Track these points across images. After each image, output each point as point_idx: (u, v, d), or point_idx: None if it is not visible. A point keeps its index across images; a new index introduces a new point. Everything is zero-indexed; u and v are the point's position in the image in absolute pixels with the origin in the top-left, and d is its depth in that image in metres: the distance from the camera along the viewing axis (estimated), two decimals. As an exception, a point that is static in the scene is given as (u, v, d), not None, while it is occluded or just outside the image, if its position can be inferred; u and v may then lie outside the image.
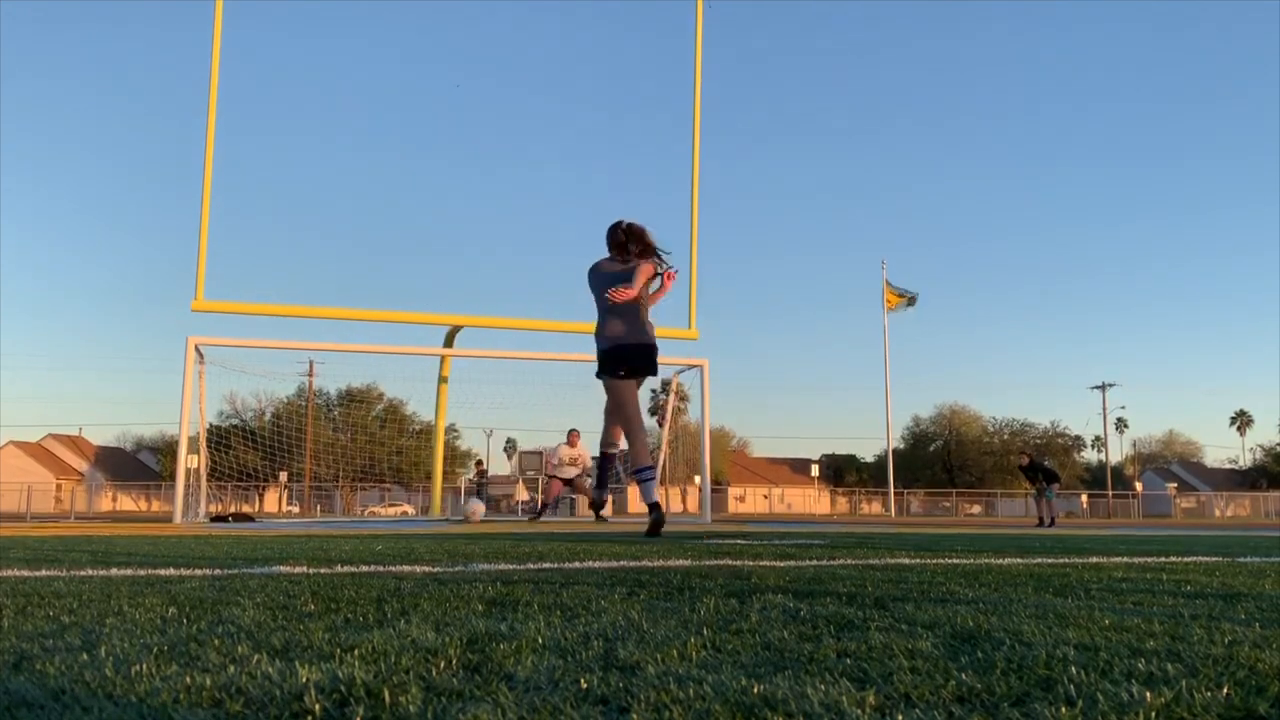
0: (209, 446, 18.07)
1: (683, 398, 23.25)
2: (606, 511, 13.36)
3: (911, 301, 37.89)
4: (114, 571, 3.08)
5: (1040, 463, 20.59)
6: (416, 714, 1.01)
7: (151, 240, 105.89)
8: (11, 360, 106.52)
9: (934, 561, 3.68)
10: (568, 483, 16.12)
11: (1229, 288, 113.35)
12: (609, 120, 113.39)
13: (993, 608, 2.01)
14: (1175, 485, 70.85)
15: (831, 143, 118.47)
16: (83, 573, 3.02)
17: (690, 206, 17.35)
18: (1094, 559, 3.96)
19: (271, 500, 53.49)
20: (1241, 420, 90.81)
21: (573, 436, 16.14)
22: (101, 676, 1.21)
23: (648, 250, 6.56)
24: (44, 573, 3.02)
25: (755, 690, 1.13)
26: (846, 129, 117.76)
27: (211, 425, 22.22)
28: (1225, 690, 1.15)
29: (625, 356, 6.63)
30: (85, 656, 1.38)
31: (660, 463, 20.99)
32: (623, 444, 6.96)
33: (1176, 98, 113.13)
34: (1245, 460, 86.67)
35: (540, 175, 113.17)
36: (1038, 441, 71.02)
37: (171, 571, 3.06)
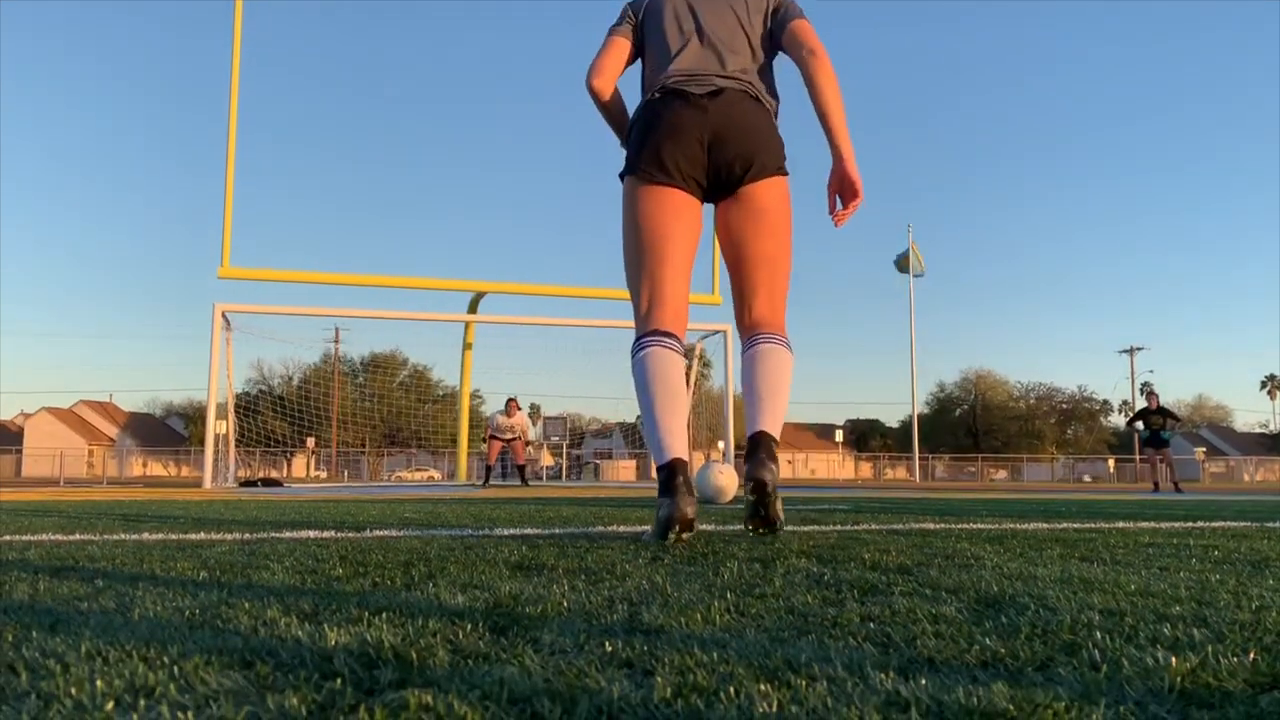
0: (237, 412, 18.24)
1: (706, 364, 23.19)
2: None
3: (905, 266, 37.38)
4: (146, 536, 3.13)
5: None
6: (444, 676, 1.02)
7: (180, 207, 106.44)
8: (43, 328, 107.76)
9: (958, 526, 3.67)
10: (507, 443, 16.65)
11: (1260, 251, 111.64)
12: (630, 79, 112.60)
13: (1017, 573, 2.01)
14: (1204, 450, 70.29)
15: (855, 106, 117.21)
16: (115, 537, 3.07)
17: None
18: (1120, 524, 3.94)
19: (299, 466, 54.06)
20: (1272, 384, 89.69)
21: (510, 406, 16.68)
22: (135, 639, 1.23)
23: None
24: (78, 536, 3.08)
25: (779, 654, 1.14)
26: (870, 92, 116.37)
27: (240, 392, 22.42)
28: (1252, 656, 1.15)
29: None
30: (120, 619, 1.40)
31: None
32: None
33: (1209, 57, 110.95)
34: (1276, 424, 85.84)
35: (563, 140, 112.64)
36: (1064, 406, 70.59)
37: (202, 536, 3.10)
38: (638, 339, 3.00)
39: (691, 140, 2.98)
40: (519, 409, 16.95)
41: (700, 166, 3.00)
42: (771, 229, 3.09)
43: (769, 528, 2.95)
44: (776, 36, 3.22)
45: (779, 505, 2.93)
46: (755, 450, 2.82)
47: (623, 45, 3.27)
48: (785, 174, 3.16)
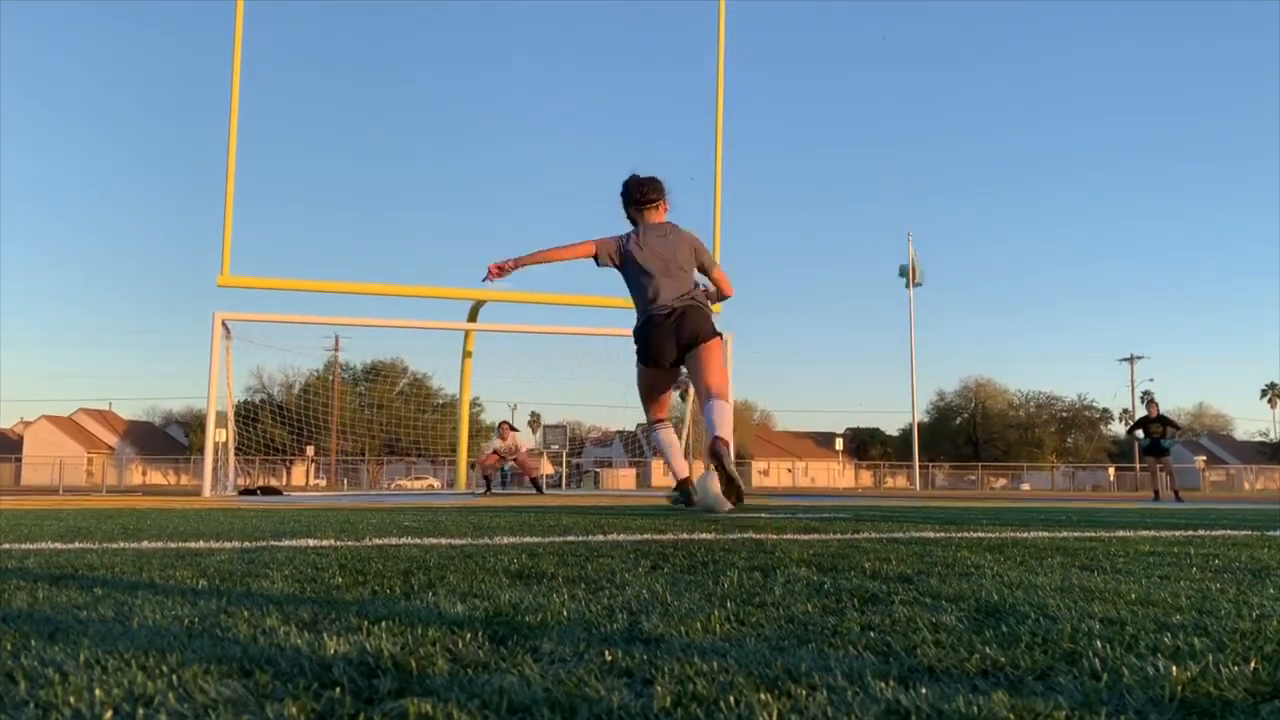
0: (236, 421, 18.23)
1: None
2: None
3: (910, 276, 37.39)
4: (145, 544, 3.13)
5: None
6: (443, 685, 1.02)
7: (180, 215, 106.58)
8: (44, 336, 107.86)
9: (959, 535, 3.67)
10: (512, 460, 16.99)
11: (1260, 259, 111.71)
12: (632, 85, 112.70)
13: (1017, 581, 2.01)
14: (1204, 458, 70.25)
15: (857, 109, 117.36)
16: (114, 545, 3.07)
17: (714, 176, 17.26)
18: (1120, 532, 3.94)
19: (299, 474, 54.02)
20: (1273, 393, 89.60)
21: (503, 429, 17.08)
22: (134, 647, 1.23)
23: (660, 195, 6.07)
24: (77, 545, 3.07)
25: (779, 663, 1.14)
26: (875, 94, 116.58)
27: (239, 400, 22.41)
28: (1252, 664, 1.14)
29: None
30: (119, 628, 1.40)
31: (684, 436, 21.08)
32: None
33: (1211, 64, 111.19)
34: (1277, 433, 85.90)
35: (564, 144, 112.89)
36: (1064, 414, 70.61)
37: (201, 544, 3.10)
38: (653, 423, 6.25)
39: (669, 345, 5.76)
40: (512, 430, 17.08)
41: (673, 356, 5.80)
42: (717, 360, 5.80)
43: (730, 485, 5.33)
44: (701, 269, 5.98)
45: (735, 471, 5.35)
46: (713, 443, 5.39)
47: (590, 249, 5.90)
48: (720, 336, 5.86)
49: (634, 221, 6.04)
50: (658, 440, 6.15)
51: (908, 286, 37.48)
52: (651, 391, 6.10)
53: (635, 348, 5.94)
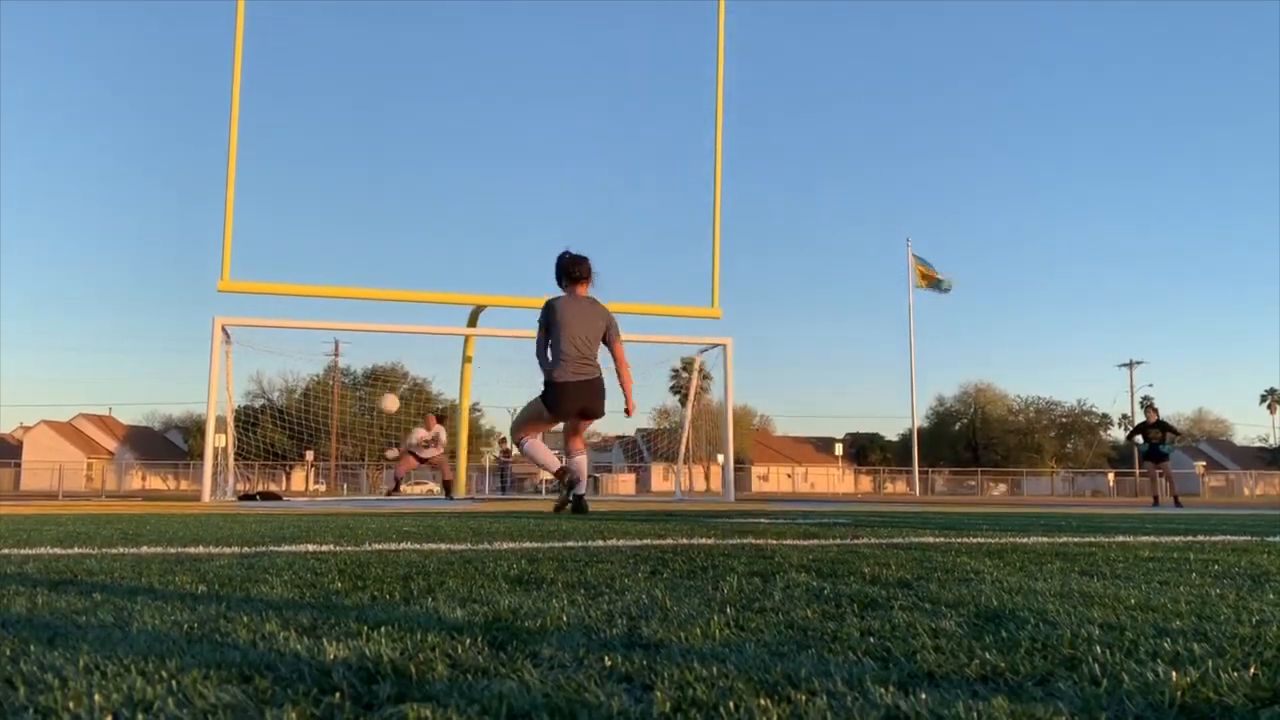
0: (236, 426, 18.22)
1: (705, 377, 23.26)
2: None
3: (940, 285, 37.09)
4: (144, 549, 3.12)
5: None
6: (443, 691, 1.02)
7: (180, 220, 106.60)
8: (43, 340, 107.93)
9: (958, 540, 3.67)
10: (424, 461, 16.67)
11: (1260, 264, 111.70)
12: (632, 95, 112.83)
13: (1017, 587, 2.01)
14: (1204, 464, 70.25)
15: (859, 116, 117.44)
16: (114, 550, 3.07)
17: (713, 181, 17.27)
18: (1120, 538, 3.94)
19: (298, 479, 54.02)
20: (1272, 398, 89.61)
21: (429, 420, 16.82)
22: (133, 652, 1.23)
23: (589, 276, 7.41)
24: (76, 550, 3.07)
25: (778, 668, 1.14)
26: (875, 101, 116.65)
27: (239, 405, 22.37)
28: (1252, 670, 1.15)
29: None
30: (118, 633, 1.40)
31: (684, 440, 21.09)
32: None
33: (1210, 67, 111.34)
34: (1276, 438, 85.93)
35: (563, 152, 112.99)
36: (1063, 420, 70.61)
37: (201, 550, 3.09)
38: (521, 440, 7.46)
39: (574, 408, 7.12)
40: (438, 422, 16.74)
41: (576, 414, 7.17)
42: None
43: (580, 503, 7.12)
44: (606, 341, 7.23)
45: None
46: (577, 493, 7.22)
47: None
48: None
49: (563, 286, 7.35)
50: (531, 451, 7.41)
51: (939, 290, 37.23)
52: (536, 425, 7.38)
53: (543, 392, 7.13)
